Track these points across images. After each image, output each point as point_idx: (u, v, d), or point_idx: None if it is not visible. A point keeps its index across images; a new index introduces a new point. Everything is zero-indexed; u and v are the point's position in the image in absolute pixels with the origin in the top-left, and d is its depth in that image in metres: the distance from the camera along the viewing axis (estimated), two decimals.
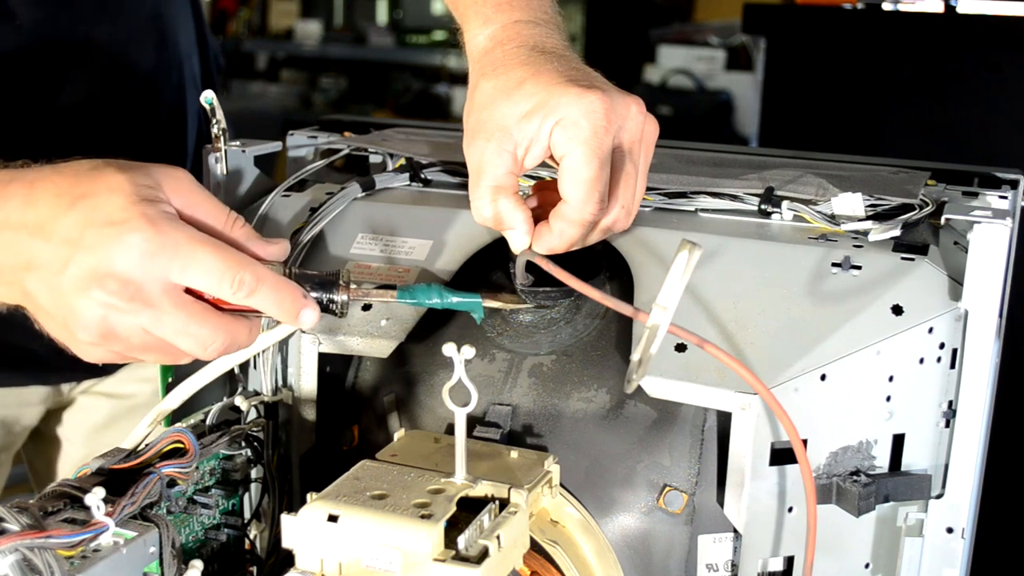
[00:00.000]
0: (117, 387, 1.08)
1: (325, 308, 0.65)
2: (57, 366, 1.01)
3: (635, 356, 0.58)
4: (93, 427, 1.09)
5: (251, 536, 0.74)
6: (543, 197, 0.69)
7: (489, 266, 0.75)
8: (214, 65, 1.14)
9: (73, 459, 1.10)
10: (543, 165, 0.67)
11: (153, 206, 0.59)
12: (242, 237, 0.64)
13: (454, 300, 0.67)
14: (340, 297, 0.65)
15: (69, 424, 1.10)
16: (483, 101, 0.65)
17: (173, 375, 0.75)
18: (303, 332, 0.70)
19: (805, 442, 0.64)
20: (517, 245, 0.66)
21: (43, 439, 1.13)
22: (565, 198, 0.63)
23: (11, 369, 1.00)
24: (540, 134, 0.63)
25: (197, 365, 0.70)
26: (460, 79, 4.45)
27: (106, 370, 1.05)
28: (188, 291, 0.60)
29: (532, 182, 0.76)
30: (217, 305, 0.61)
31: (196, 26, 1.09)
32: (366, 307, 0.72)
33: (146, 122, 0.99)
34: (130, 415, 1.09)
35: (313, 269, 0.66)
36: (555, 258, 0.64)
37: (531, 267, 0.68)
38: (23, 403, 1.03)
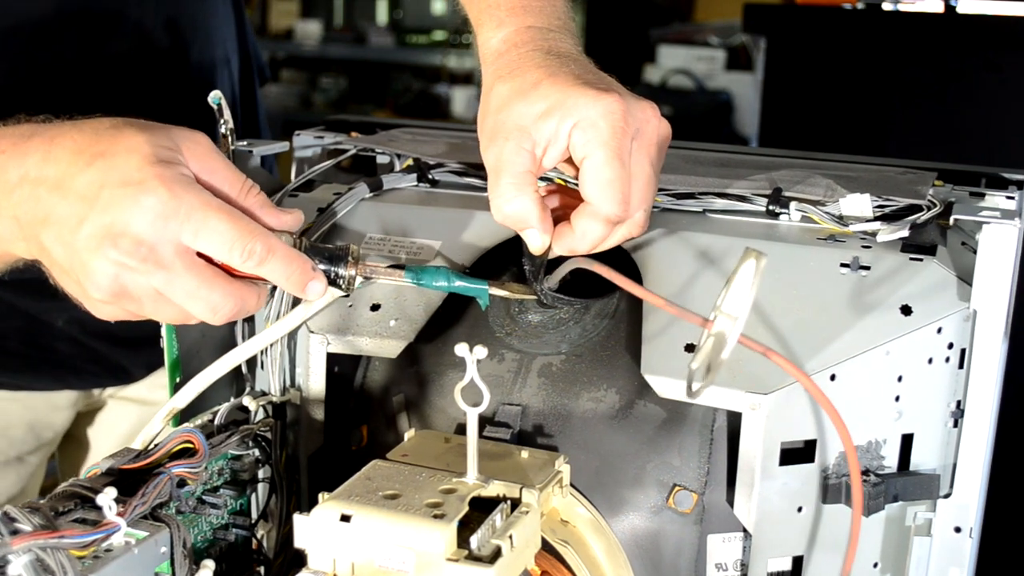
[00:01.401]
0: (146, 393, 1.08)
1: (332, 282, 0.65)
2: (85, 370, 1.01)
3: (694, 364, 0.58)
4: (121, 434, 1.09)
5: (259, 536, 0.74)
6: (560, 200, 0.69)
7: (498, 267, 0.75)
8: (256, 72, 1.14)
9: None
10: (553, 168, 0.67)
11: (170, 168, 0.59)
12: (256, 205, 0.64)
13: (460, 284, 0.66)
14: (348, 272, 0.65)
15: (99, 429, 1.10)
16: (499, 103, 0.65)
17: (181, 374, 0.75)
18: (309, 303, 0.68)
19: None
20: (535, 244, 0.66)
21: (73, 443, 1.12)
22: (588, 199, 0.63)
23: (41, 373, 1.00)
24: (559, 135, 0.63)
25: (205, 363, 0.70)
26: (460, 79, 4.45)
27: (131, 375, 1.05)
28: (201, 255, 0.61)
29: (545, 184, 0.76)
30: (228, 270, 0.62)
31: (238, 31, 1.09)
32: (375, 307, 0.72)
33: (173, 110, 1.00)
34: None
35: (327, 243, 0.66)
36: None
37: (549, 269, 0.68)
38: (52, 407, 1.03)
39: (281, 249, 0.62)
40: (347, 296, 0.67)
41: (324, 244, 0.66)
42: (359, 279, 0.66)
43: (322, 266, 0.65)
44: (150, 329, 1.02)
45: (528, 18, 0.70)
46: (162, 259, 0.59)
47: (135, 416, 1.09)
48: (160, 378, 1.08)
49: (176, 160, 0.60)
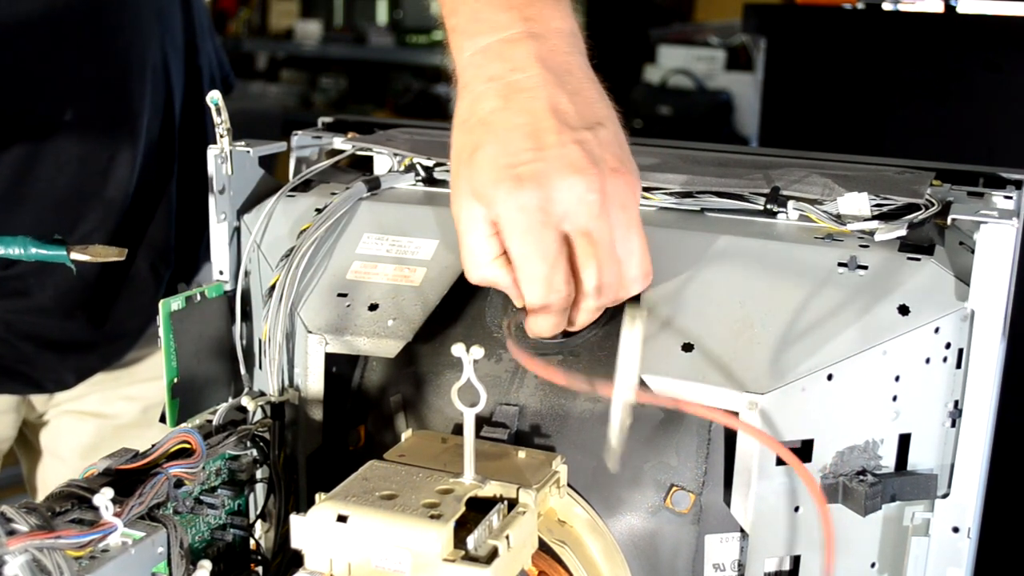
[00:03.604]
0: (101, 406, 1.08)
1: None
2: (17, 372, 1.01)
3: (612, 441, 0.61)
4: (82, 447, 1.09)
5: (256, 536, 0.74)
6: None
7: None
8: (208, 83, 1.12)
9: (64, 477, 1.09)
10: None
11: None
12: None
13: (36, 252, 0.64)
14: None
15: (59, 443, 1.10)
16: (453, 157, 0.64)
17: (178, 375, 0.75)
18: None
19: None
20: (517, 302, 0.65)
21: (36, 455, 1.12)
22: (523, 293, 0.63)
23: None
24: (491, 216, 0.62)
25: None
26: None
27: (63, 382, 1.04)
28: None
29: None
30: None
31: (187, 38, 1.07)
32: (373, 307, 0.72)
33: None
34: (117, 435, 1.09)
35: None
36: None
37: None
38: None
39: None
40: None
41: None
42: None
43: None
44: (77, 335, 1.01)
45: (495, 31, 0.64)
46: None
47: (92, 430, 1.09)
48: (116, 390, 1.08)
49: None
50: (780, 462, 0.63)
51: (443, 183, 0.84)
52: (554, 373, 0.62)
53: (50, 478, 1.11)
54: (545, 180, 0.60)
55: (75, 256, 0.65)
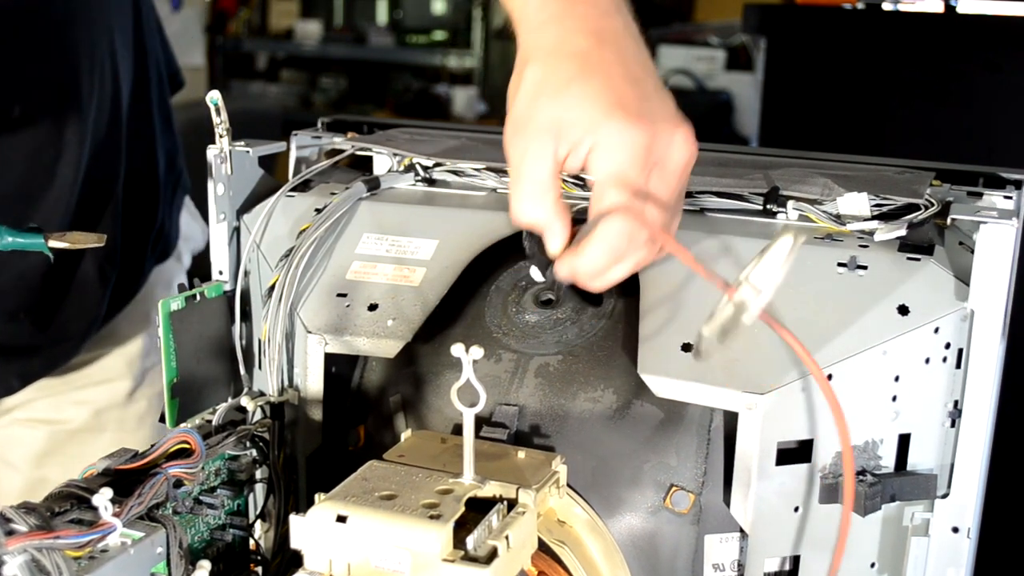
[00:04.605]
0: (52, 412, 1.06)
1: None
2: None
3: (706, 329, 0.58)
4: (35, 454, 1.07)
5: (256, 536, 0.74)
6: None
7: (496, 266, 0.75)
8: (158, 82, 1.09)
9: (18, 486, 1.07)
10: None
11: None
12: None
13: (13, 240, 0.63)
14: None
15: (11, 452, 1.07)
16: (528, 91, 0.63)
17: (178, 376, 0.75)
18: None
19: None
20: (553, 249, 0.64)
21: None
22: (591, 224, 0.62)
23: None
24: (578, 149, 0.61)
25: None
26: (460, 79, 4.45)
27: (9, 387, 1.02)
28: None
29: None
30: None
31: (136, 35, 1.05)
32: (372, 307, 0.72)
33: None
34: (71, 440, 1.07)
35: None
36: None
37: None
38: None
39: None
40: None
41: None
42: None
43: None
44: (21, 338, 0.98)
45: None
46: None
47: (44, 436, 1.06)
48: (66, 395, 1.05)
49: None
50: (780, 462, 0.63)
51: (443, 183, 0.84)
52: (683, 251, 0.61)
53: (4, 488, 1.08)
54: (651, 124, 0.61)
55: (53, 244, 0.63)
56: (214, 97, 0.75)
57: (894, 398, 0.65)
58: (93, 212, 1.01)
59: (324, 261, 0.76)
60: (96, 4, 0.99)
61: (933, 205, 0.72)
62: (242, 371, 0.78)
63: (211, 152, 0.79)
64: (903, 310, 0.65)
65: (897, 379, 0.65)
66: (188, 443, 0.63)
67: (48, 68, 0.95)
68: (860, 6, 2.07)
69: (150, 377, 1.10)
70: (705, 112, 2.87)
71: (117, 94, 1.02)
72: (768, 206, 0.75)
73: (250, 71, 4.72)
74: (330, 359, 0.73)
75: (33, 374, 1.02)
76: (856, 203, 0.73)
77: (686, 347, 0.65)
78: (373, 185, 0.80)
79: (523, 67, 0.64)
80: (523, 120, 0.63)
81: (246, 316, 0.79)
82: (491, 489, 0.59)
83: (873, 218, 0.72)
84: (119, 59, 1.02)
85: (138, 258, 1.08)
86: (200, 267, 0.92)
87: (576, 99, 0.61)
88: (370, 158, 0.92)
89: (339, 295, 0.74)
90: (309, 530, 0.56)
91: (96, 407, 1.08)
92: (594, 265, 0.63)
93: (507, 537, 0.55)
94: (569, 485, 0.65)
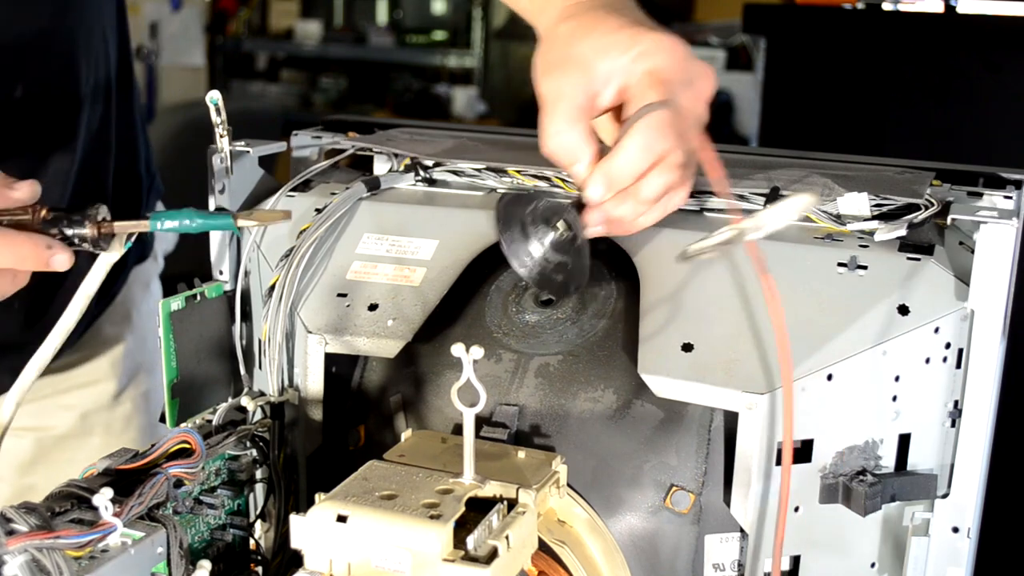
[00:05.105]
0: (38, 419, 1.04)
1: (77, 245, 0.64)
2: None
3: (696, 244, 0.62)
4: (21, 464, 1.05)
5: (256, 536, 0.74)
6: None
7: (496, 265, 0.75)
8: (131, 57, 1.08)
9: (5, 496, 1.04)
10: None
11: None
12: None
13: (202, 222, 0.65)
14: (89, 232, 0.64)
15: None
16: (563, 39, 0.66)
17: (178, 376, 0.75)
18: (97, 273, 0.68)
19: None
20: (581, 173, 0.65)
21: None
22: (629, 124, 0.63)
23: None
24: (618, 70, 0.64)
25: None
26: (460, 79, 4.45)
27: (4, 386, 0.98)
28: None
29: None
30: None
31: (119, 13, 1.04)
32: (372, 307, 0.72)
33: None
34: (58, 446, 1.05)
35: (65, 207, 0.65)
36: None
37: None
38: None
39: (5, 238, 0.61)
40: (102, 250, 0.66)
41: (61, 209, 0.65)
42: (112, 237, 0.64)
43: (69, 232, 0.63)
44: (12, 333, 0.95)
45: None
46: None
47: (30, 444, 1.04)
48: (53, 400, 1.03)
49: None
50: (780, 462, 0.63)
51: (443, 183, 0.84)
52: (717, 165, 0.63)
53: None
54: (694, 63, 0.66)
55: (242, 223, 0.65)
56: (214, 97, 0.75)
57: (894, 398, 0.65)
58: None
59: (324, 261, 0.76)
60: None
61: (933, 205, 0.72)
62: (242, 371, 0.78)
63: (211, 152, 0.79)
64: (903, 310, 0.65)
65: (897, 379, 0.65)
66: (188, 443, 0.63)
67: (48, 49, 0.93)
68: (860, 6, 2.07)
69: (135, 378, 1.09)
70: None
71: (108, 82, 1.00)
72: (769, 206, 0.74)
73: (250, 71, 4.71)
74: (330, 359, 0.73)
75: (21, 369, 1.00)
76: (856, 203, 0.73)
77: (686, 347, 0.65)
78: (373, 185, 0.80)
79: (552, 31, 0.67)
80: (558, 60, 0.65)
81: (246, 316, 0.79)
82: (491, 489, 0.59)
83: (873, 218, 0.72)
84: (109, 47, 1.01)
85: (122, 257, 1.07)
86: (200, 267, 0.92)
87: (613, 28, 0.65)
88: (370, 158, 0.92)
89: (339, 295, 0.74)
90: (309, 530, 0.56)
91: (82, 411, 1.06)
92: (630, 164, 0.63)
93: (507, 537, 0.55)
94: (569, 485, 0.65)
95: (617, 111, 0.68)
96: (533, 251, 0.66)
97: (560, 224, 0.66)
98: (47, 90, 0.94)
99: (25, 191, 0.64)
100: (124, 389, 1.09)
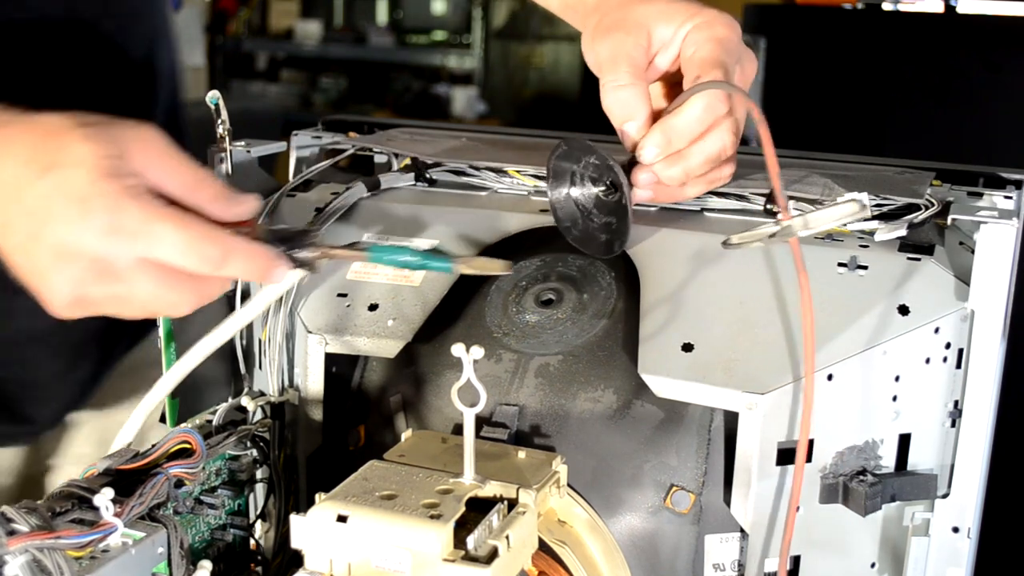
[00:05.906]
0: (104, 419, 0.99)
1: (298, 265, 0.64)
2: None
3: (738, 237, 0.62)
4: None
5: (257, 536, 0.74)
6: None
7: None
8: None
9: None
10: None
11: (117, 181, 0.57)
12: (206, 199, 0.61)
13: (422, 262, 0.64)
14: (310, 254, 0.63)
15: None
16: (620, 5, 0.68)
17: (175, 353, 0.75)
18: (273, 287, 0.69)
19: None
20: (632, 139, 0.67)
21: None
22: (689, 92, 0.65)
23: None
24: (677, 37, 0.67)
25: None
26: (460, 79, 4.46)
27: (33, 423, 0.93)
28: None
29: None
30: None
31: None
32: (372, 307, 0.72)
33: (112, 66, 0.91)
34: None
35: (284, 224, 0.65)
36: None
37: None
38: None
39: (239, 247, 0.60)
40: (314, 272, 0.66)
41: (281, 227, 0.65)
42: (324, 260, 0.64)
43: (284, 249, 0.63)
44: (49, 370, 0.91)
45: None
46: (119, 273, 0.58)
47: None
48: (123, 402, 0.97)
49: (121, 170, 0.58)
50: (780, 462, 0.63)
51: (443, 183, 0.84)
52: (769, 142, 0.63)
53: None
54: (743, 45, 0.70)
55: (460, 269, 0.64)
56: (214, 97, 0.75)
57: (894, 398, 0.65)
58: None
59: (324, 261, 0.75)
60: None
61: (933, 205, 0.72)
62: (242, 371, 0.78)
63: (211, 152, 0.79)
64: (903, 310, 0.65)
65: (897, 379, 0.65)
66: (189, 443, 0.63)
67: (115, 73, 0.91)
68: (860, 6, 2.07)
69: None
70: None
71: (174, 67, 0.99)
72: (768, 206, 0.75)
73: (250, 71, 4.72)
74: (330, 359, 0.73)
75: (65, 409, 0.93)
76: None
77: (686, 347, 0.65)
78: (373, 185, 0.80)
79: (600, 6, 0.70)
80: (615, 23, 0.67)
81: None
82: (491, 489, 0.59)
83: (873, 218, 0.72)
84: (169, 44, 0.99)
85: None
86: None
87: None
88: (370, 158, 0.92)
89: (339, 295, 0.74)
90: (310, 530, 0.56)
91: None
92: (690, 125, 0.65)
93: (508, 537, 0.55)
94: (569, 485, 0.65)
95: (668, 85, 0.70)
96: (580, 209, 0.69)
97: (609, 183, 0.67)
98: (128, 72, 0.92)
99: (246, 207, 0.63)
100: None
